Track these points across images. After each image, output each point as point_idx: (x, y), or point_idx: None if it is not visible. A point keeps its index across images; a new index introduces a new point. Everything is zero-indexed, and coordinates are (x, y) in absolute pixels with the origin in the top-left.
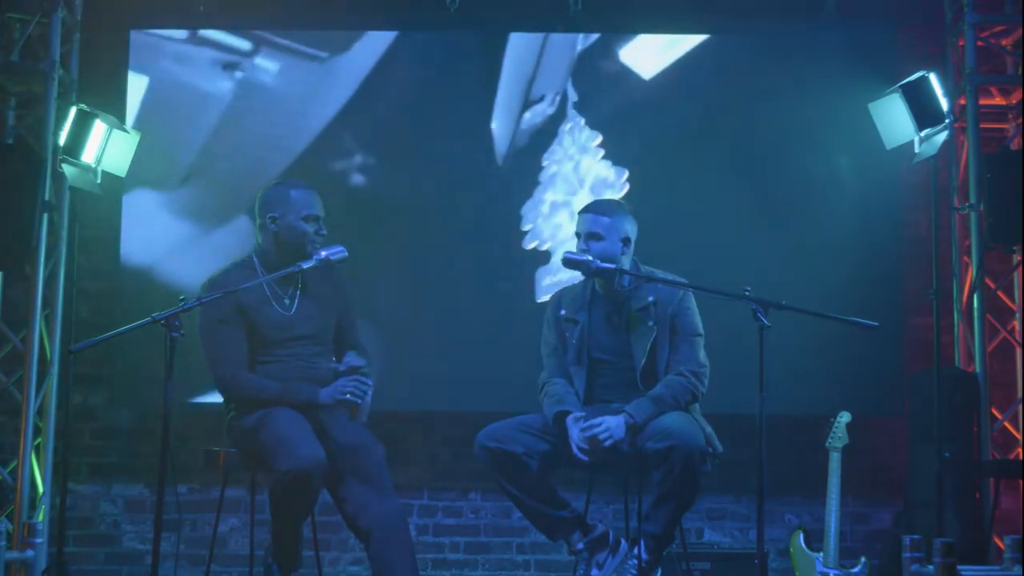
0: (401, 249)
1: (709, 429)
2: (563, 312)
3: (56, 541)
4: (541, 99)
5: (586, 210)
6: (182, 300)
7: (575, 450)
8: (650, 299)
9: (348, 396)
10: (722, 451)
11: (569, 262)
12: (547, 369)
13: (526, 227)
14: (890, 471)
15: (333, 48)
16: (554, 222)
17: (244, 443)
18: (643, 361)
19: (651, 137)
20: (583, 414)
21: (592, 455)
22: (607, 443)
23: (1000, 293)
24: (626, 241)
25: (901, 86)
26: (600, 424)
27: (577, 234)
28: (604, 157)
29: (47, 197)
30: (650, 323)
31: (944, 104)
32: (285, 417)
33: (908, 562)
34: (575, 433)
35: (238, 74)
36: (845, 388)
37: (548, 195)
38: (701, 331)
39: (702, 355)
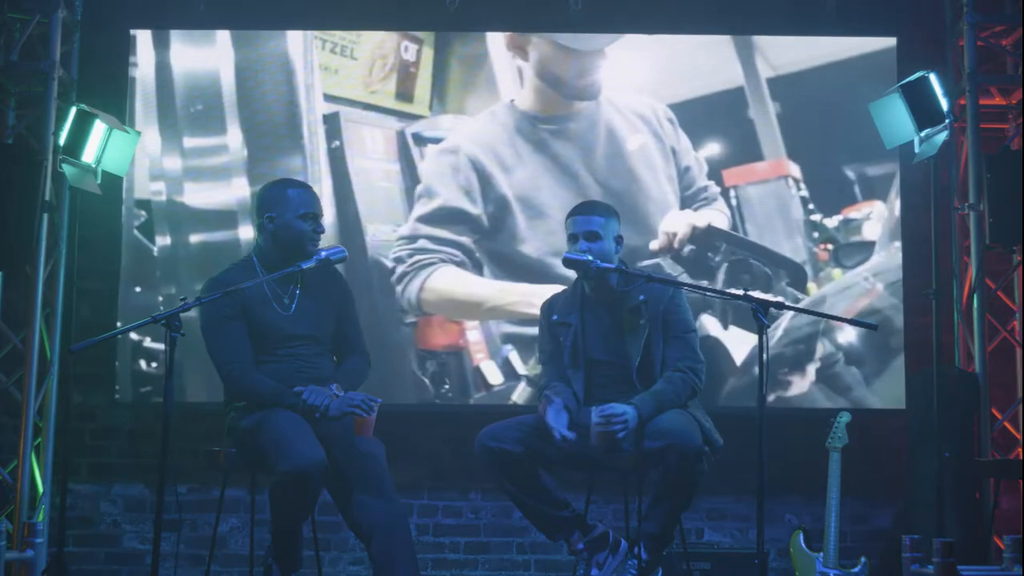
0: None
1: (708, 423)
2: (555, 317)
3: (56, 541)
4: None
5: (579, 211)
6: (182, 300)
7: (556, 437)
8: (641, 298)
9: (357, 410)
10: (721, 444)
11: (570, 262)
12: (546, 375)
13: None
14: (890, 471)
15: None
16: None
17: (244, 443)
18: (638, 360)
19: None
20: (562, 401)
21: (603, 442)
22: (621, 434)
23: (1000, 293)
24: (618, 240)
25: (901, 86)
26: (618, 409)
27: (573, 236)
28: None
29: (47, 197)
30: (642, 322)
31: (944, 104)
32: (285, 417)
33: (908, 562)
34: (563, 420)
35: (239, 73)
36: (845, 388)
37: None
38: (694, 327)
39: (697, 350)
